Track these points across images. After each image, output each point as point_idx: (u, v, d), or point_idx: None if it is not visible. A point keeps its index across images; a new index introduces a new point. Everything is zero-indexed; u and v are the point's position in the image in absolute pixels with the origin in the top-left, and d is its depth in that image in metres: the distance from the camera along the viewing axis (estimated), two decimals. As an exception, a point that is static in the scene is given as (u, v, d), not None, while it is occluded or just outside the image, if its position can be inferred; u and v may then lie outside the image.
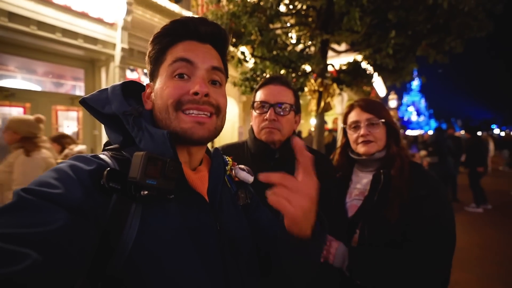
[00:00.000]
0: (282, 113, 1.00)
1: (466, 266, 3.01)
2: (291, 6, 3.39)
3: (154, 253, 0.45)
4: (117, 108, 0.54)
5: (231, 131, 7.50)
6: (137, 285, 0.44)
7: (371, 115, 1.07)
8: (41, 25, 3.53)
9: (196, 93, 0.52)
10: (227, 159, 0.70)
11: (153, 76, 0.58)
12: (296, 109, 1.06)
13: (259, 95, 1.05)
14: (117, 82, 0.59)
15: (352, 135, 1.13)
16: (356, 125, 1.11)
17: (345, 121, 1.17)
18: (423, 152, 5.39)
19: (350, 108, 1.15)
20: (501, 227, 4.32)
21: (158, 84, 0.56)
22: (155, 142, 0.51)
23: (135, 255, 0.44)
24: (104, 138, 4.46)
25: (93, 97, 0.56)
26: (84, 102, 0.56)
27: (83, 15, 3.91)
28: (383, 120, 1.07)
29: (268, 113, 0.99)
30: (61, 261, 0.35)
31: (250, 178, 0.70)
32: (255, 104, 1.05)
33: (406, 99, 61.96)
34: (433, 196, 0.96)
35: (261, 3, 2.97)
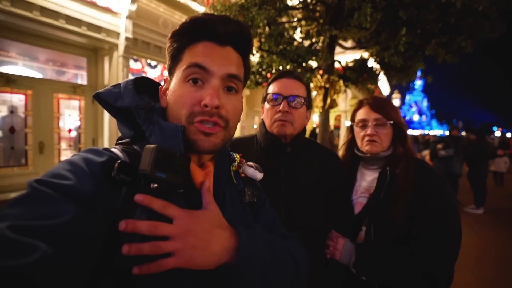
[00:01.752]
0: (295, 106, 1.00)
1: (464, 268, 3.02)
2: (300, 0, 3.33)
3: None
4: (129, 102, 0.55)
5: (233, 125, 7.47)
6: (144, 275, 0.44)
7: (380, 115, 1.07)
8: (44, 11, 3.46)
9: (206, 106, 0.52)
10: (235, 156, 0.70)
11: (170, 72, 0.58)
12: (308, 104, 1.06)
13: (272, 88, 1.04)
14: (130, 77, 0.60)
15: (358, 133, 1.13)
16: (363, 124, 1.11)
17: (352, 118, 1.17)
18: (425, 152, 5.37)
19: (359, 105, 1.15)
20: (500, 229, 4.33)
21: (173, 84, 0.56)
22: (165, 136, 0.52)
23: None
24: (106, 130, 4.44)
25: (106, 92, 0.57)
26: (97, 97, 0.57)
27: (87, 2, 3.82)
28: (391, 122, 1.07)
29: (281, 105, 0.99)
30: (70, 252, 0.36)
31: (258, 175, 0.71)
32: (268, 96, 1.04)
33: (408, 98, 61.78)
34: (438, 192, 0.98)
35: (271, -4, 2.91)
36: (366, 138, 1.08)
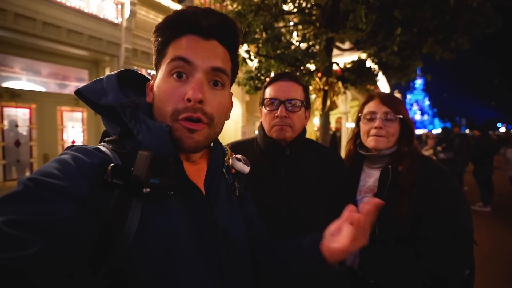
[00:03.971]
0: (293, 110, 0.99)
1: (476, 265, 2.97)
2: (296, 4, 3.38)
3: (154, 244, 0.47)
4: (113, 99, 0.53)
5: (234, 131, 7.49)
6: (138, 275, 0.45)
7: (389, 109, 1.05)
8: (46, 26, 3.55)
9: (189, 100, 0.51)
10: (226, 149, 0.70)
11: (156, 67, 0.57)
12: (306, 104, 1.05)
13: (269, 92, 1.03)
14: (112, 72, 0.58)
15: (365, 126, 1.10)
16: (371, 117, 1.08)
17: (361, 110, 1.14)
18: (430, 151, 5.33)
19: (369, 98, 1.12)
20: (509, 227, 4.26)
21: (158, 78, 0.55)
22: (153, 135, 0.51)
23: (136, 247, 0.45)
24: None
25: (88, 88, 0.55)
26: (79, 93, 0.55)
27: (87, 16, 3.92)
28: (400, 116, 1.05)
29: (279, 110, 0.97)
30: (64, 250, 0.36)
31: (246, 169, 0.71)
32: (265, 101, 1.03)
33: (409, 97, 61.58)
34: (446, 190, 0.93)
35: (266, 1, 2.96)
36: (373, 132, 1.05)
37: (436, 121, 64.63)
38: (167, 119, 0.52)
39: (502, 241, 3.69)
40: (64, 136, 4.21)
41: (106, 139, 0.57)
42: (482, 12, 2.92)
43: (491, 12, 2.95)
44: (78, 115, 4.38)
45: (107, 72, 4.53)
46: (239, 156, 0.72)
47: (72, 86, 4.57)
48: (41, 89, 4.13)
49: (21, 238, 0.33)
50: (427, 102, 62.17)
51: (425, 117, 61.93)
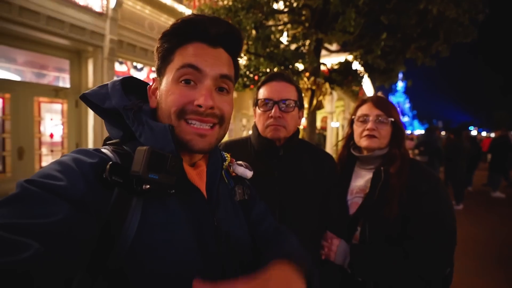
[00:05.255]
0: (286, 110, 1.00)
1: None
2: (287, 3, 3.40)
3: (155, 245, 0.46)
4: (117, 102, 0.54)
5: (221, 127, 7.44)
6: (137, 276, 0.44)
7: (382, 112, 1.08)
8: (24, 11, 3.34)
9: (200, 106, 0.52)
10: (225, 155, 0.70)
11: (160, 72, 0.58)
12: (300, 104, 1.06)
13: (263, 92, 1.04)
14: (117, 78, 0.59)
15: (358, 128, 1.13)
16: (364, 119, 1.11)
17: (354, 113, 1.18)
18: (409, 151, 5.55)
19: (362, 101, 1.16)
20: (479, 224, 4.57)
21: (164, 84, 0.56)
22: (155, 135, 0.52)
23: (136, 248, 0.44)
24: (91, 134, 4.31)
25: (93, 92, 0.56)
26: (84, 98, 0.56)
27: (70, 3, 3.72)
28: (392, 119, 1.08)
29: (273, 111, 0.98)
30: (62, 252, 0.36)
31: (248, 173, 0.72)
32: (259, 102, 1.03)
33: (391, 99, 63.63)
34: (432, 192, 0.98)
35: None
36: (365, 133, 1.08)
37: (416, 122, 67.60)
38: (171, 117, 0.53)
39: (470, 237, 3.96)
40: (42, 129, 4.00)
41: (108, 142, 0.58)
42: (460, 23, 3.09)
43: (468, 23, 3.14)
44: (57, 106, 4.17)
45: (90, 63, 4.34)
46: (240, 162, 0.73)
47: (51, 76, 4.33)
48: (16, 78, 3.89)
49: (16, 242, 0.32)
50: (407, 105, 64.72)
51: (406, 118, 64.47)
